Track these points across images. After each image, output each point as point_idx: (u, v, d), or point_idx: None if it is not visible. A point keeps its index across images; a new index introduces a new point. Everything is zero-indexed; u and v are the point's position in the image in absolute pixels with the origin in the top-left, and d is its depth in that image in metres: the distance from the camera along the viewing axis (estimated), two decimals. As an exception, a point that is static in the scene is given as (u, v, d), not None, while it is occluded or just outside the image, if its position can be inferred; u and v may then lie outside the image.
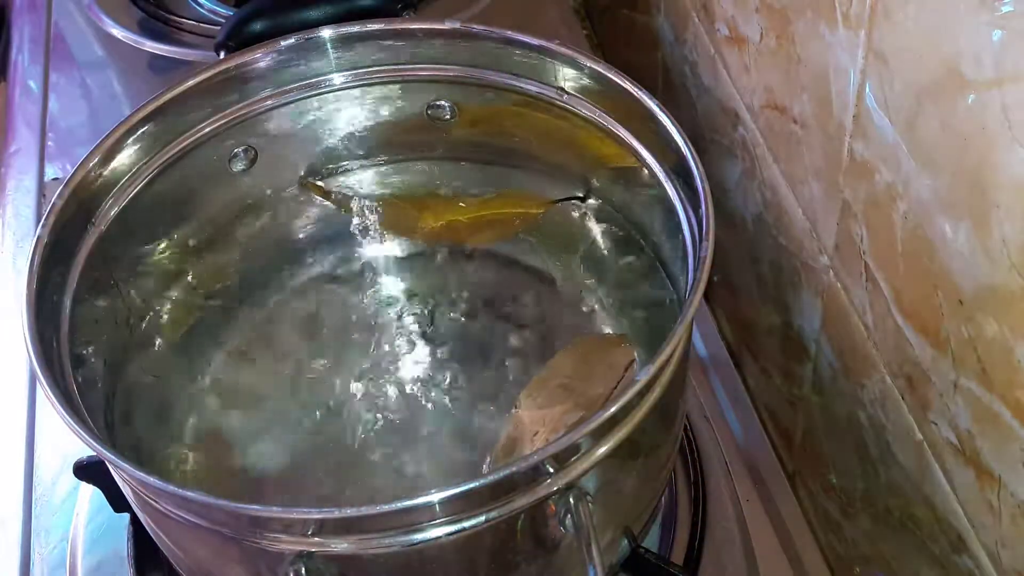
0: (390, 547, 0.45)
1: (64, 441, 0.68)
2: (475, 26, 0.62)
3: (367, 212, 0.71)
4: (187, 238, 0.66)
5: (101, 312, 0.59)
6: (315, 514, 0.43)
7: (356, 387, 0.64)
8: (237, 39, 0.65)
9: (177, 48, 0.93)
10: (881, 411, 0.54)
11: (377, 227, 0.71)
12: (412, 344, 0.66)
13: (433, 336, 0.66)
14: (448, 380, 0.64)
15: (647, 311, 0.64)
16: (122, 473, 0.48)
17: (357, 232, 0.71)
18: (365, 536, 0.44)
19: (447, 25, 0.63)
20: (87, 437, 0.45)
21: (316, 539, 0.44)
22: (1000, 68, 0.38)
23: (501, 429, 0.58)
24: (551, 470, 0.45)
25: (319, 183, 0.69)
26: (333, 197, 0.69)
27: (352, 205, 0.70)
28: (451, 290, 0.68)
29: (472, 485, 0.43)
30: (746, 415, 0.71)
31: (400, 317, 0.68)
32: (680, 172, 0.55)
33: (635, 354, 0.60)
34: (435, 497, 0.43)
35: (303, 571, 0.44)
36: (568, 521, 0.46)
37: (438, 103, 0.67)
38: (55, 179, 0.85)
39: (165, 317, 0.65)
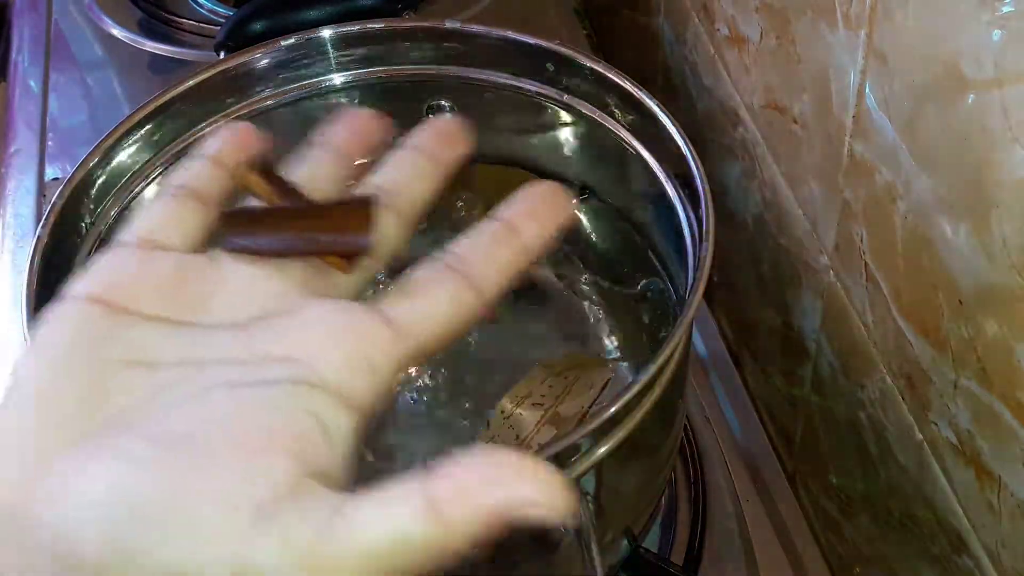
0: (390, 547, 0.45)
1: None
2: (475, 26, 0.62)
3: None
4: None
5: (101, 312, 0.59)
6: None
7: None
8: (237, 39, 0.66)
9: (177, 48, 0.92)
10: (881, 411, 0.54)
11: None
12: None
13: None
14: (444, 382, 0.64)
15: (647, 311, 0.64)
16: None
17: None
18: (365, 536, 0.44)
19: (447, 25, 0.63)
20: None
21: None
22: (1000, 68, 0.38)
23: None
24: (551, 470, 0.45)
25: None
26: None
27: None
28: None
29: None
30: (746, 415, 0.71)
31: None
32: (680, 172, 0.55)
33: (613, 373, 0.60)
34: (435, 497, 0.42)
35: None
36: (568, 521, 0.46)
37: (438, 103, 0.67)
38: (55, 179, 0.85)
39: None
